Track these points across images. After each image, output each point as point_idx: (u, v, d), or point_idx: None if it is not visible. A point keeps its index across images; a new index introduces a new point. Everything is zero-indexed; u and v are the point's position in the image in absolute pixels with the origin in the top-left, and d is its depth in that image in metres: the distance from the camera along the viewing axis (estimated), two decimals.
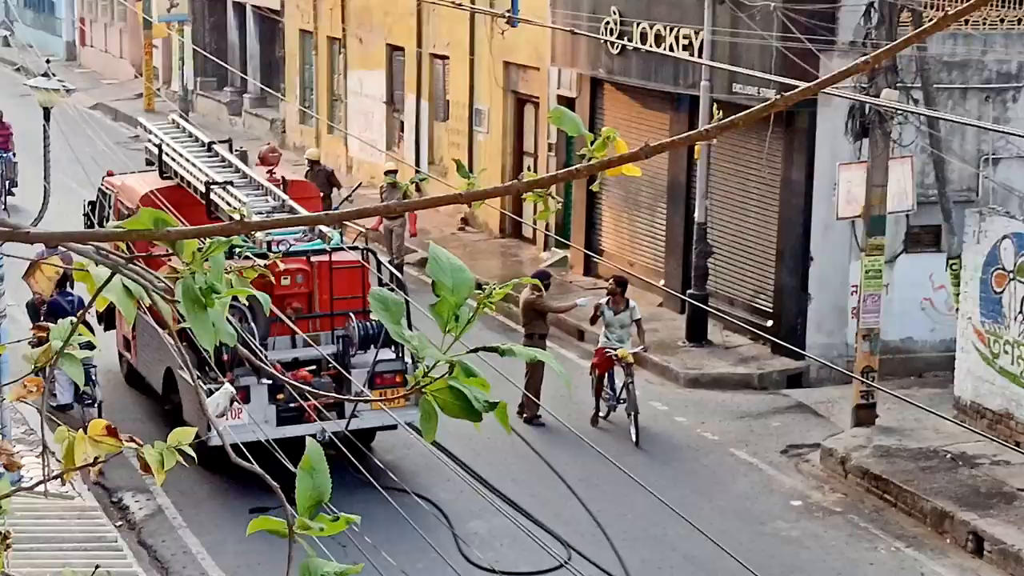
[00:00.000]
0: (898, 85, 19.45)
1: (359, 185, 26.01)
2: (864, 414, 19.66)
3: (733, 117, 2.44)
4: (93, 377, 18.71)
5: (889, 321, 20.98)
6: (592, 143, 2.84)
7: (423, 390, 2.89)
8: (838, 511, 17.65)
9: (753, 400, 21.38)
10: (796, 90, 2.36)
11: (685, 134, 2.49)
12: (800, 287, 22.29)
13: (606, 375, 19.96)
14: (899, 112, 19.23)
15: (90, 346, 4.15)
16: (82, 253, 3.26)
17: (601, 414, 20.03)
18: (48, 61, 20.49)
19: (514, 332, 23.02)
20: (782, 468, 18.99)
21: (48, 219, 19.17)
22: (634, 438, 19.38)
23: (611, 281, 20.39)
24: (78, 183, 24.34)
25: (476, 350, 2.92)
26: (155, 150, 21.16)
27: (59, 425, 4.34)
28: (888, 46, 2.51)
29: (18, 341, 4.99)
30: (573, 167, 2.67)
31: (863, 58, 2.39)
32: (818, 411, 20.98)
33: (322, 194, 24.44)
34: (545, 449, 17.28)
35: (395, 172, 27.36)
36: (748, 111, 2.43)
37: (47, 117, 18.28)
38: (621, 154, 2.59)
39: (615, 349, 19.77)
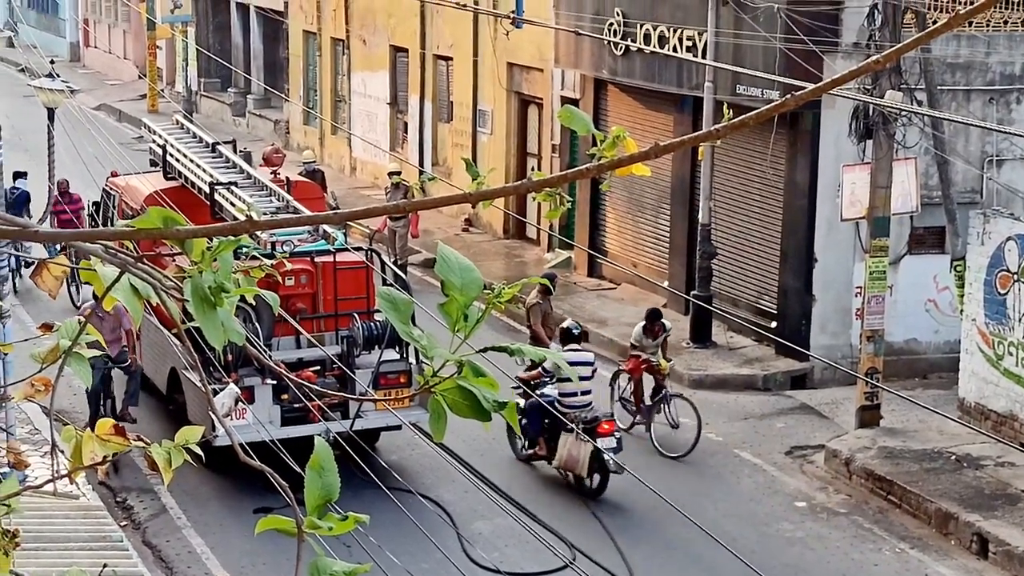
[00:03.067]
0: (902, 86, 19.45)
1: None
2: (868, 415, 19.65)
3: (743, 116, 2.44)
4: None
5: (893, 322, 20.97)
6: (600, 143, 2.84)
7: (432, 390, 2.89)
8: (842, 512, 17.65)
9: (757, 401, 21.38)
10: (806, 90, 2.36)
11: (695, 134, 2.49)
12: (804, 288, 22.29)
13: (640, 382, 19.61)
14: (903, 113, 19.23)
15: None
16: (90, 252, 3.26)
17: (630, 425, 19.49)
18: (52, 62, 20.51)
19: (518, 333, 23.03)
20: (786, 469, 18.99)
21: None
22: (690, 447, 18.95)
23: (646, 318, 19.79)
24: (83, 184, 24.35)
25: (486, 349, 2.92)
26: (159, 151, 21.19)
27: (65, 424, 4.35)
28: (895, 47, 2.51)
29: (23, 340, 4.99)
30: (582, 167, 2.68)
31: (872, 58, 2.39)
32: (822, 412, 20.98)
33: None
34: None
35: (399, 173, 27.38)
36: (759, 110, 2.43)
37: (51, 118, 18.29)
38: (631, 154, 2.59)
39: (652, 360, 19.53)
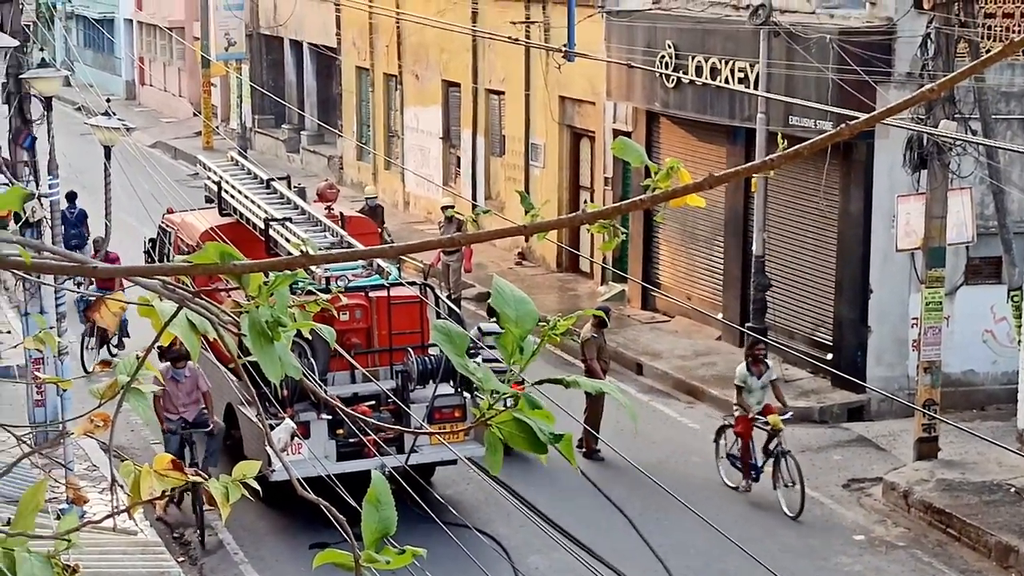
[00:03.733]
0: (956, 116, 19.35)
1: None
2: (926, 447, 19.49)
3: (798, 146, 2.44)
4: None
5: (950, 353, 20.81)
6: (654, 174, 2.84)
7: (489, 423, 2.89)
8: (901, 545, 17.49)
9: (814, 434, 21.25)
10: (861, 119, 2.36)
11: (749, 164, 2.49)
12: (860, 320, 22.17)
13: (750, 442, 18.69)
14: (957, 143, 19.13)
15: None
16: (148, 287, 3.29)
17: (739, 486, 18.80)
18: (108, 100, 20.71)
19: (571, 366, 22.99)
20: (844, 502, 18.85)
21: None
22: (798, 508, 18.00)
23: (750, 348, 19.03)
24: (138, 220, 24.54)
25: (541, 382, 2.92)
26: (214, 187, 21.33)
27: (124, 459, 4.37)
28: (949, 76, 2.50)
29: (81, 376, 5.02)
30: (636, 198, 2.68)
31: (927, 87, 2.38)
32: (880, 444, 20.82)
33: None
34: (605, 483, 17.24)
35: (453, 207, 27.44)
36: (813, 140, 2.42)
37: (108, 155, 18.47)
38: (685, 184, 2.60)
39: (760, 415, 18.65)
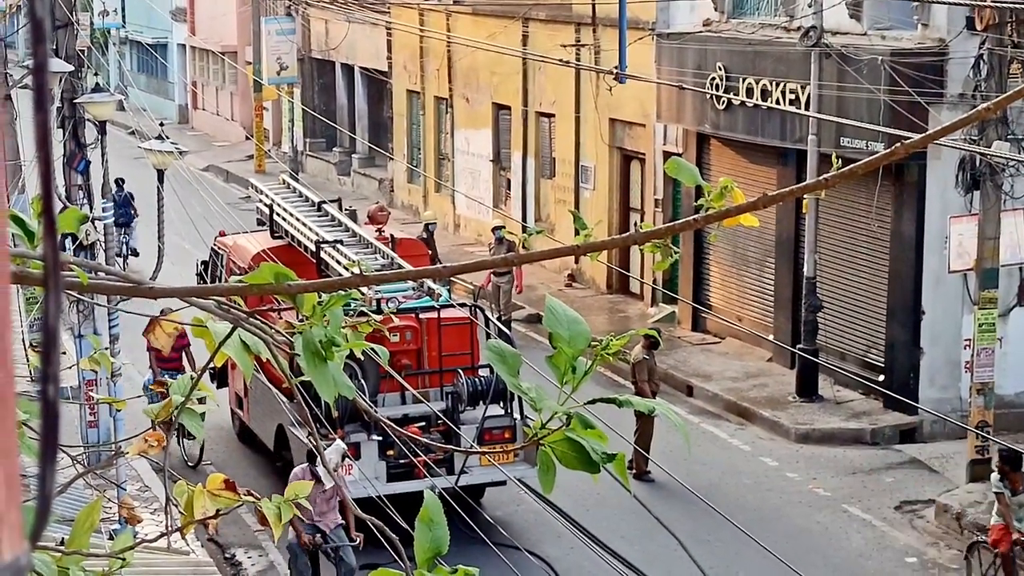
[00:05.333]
0: (1009, 136, 19.25)
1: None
2: (979, 469, 19.34)
3: (853, 165, 2.44)
4: None
5: (1003, 375, 20.66)
6: (707, 195, 2.85)
7: (541, 442, 2.90)
8: (954, 568, 17.35)
9: (866, 455, 21.13)
10: (916, 138, 2.36)
11: (803, 184, 2.49)
12: (912, 341, 22.04)
13: (1012, 558, 16.13)
14: (1011, 163, 19.02)
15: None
16: (203, 308, 3.32)
17: None
18: (161, 124, 20.88)
19: (621, 387, 22.96)
20: (896, 524, 18.73)
21: (161, 279, 19.46)
22: None
23: (1000, 460, 16.34)
24: (191, 243, 24.69)
25: (594, 401, 2.93)
26: (266, 210, 21.44)
27: (177, 479, 4.40)
28: (1004, 96, 2.49)
29: (137, 396, 5.07)
30: (689, 217, 2.68)
31: (981, 107, 2.38)
32: (932, 466, 20.69)
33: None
34: (655, 504, 17.21)
35: (503, 228, 27.46)
36: (867, 159, 2.42)
37: (161, 179, 18.60)
38: (739, 204, 2.60)
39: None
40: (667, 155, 27.63)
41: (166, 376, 19.08)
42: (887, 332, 22.53)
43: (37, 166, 1.03)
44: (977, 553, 16.68)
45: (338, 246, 18.80)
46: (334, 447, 15.05)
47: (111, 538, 12.53)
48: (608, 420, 3.86)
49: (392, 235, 20.83)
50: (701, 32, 25.83)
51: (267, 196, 21.66)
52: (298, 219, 20.22)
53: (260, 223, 22.38)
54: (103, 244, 18.79)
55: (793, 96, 23.10)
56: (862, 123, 18.92)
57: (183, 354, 20.54)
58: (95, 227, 18.32)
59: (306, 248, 19.44)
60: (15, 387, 1.05)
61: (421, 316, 18.36)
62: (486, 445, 17.61)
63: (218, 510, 4.01)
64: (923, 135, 2.62)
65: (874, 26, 22.30)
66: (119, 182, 31.40)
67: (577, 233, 3.11)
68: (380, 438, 17.49)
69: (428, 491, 3.08)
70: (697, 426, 22.19)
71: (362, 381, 17.12)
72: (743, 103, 23.97)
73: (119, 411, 17.22)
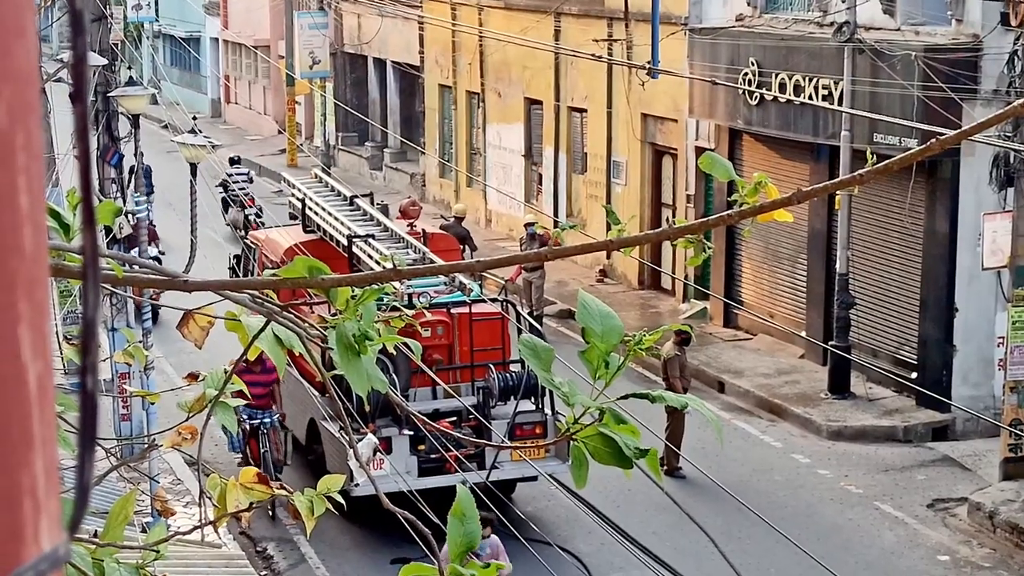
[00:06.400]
0: None
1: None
2: (1013, 467, 19.26)
3: (887, 161, 2.43)
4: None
5: None
6: (740, 190, 2.84)
7: (574, 437, 2.90)
8: (987, 567, 17.29)
9: (898, 453, 21.06)
10: (951, 134, 2.35)
11: (837, 179, 2.48)
12: (945, 338, 21.95)
13: None
14: None
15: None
16: (237, 301, 3.33)
17: None
18: (194, 118, 20.95)
19: (653, 383, 22.93)
20: (928, 522, 18.67)
21: (194, 272, 19.51)
22: None
23: None
24: (223, 237, 24.76)
25: (627, 396, 2.92)
26: (298, 204, 21.49)
27: (210, 473, 4.41)
28: None
29: (170, 390, 5.08)
30: (723, 213, 2.68)
31: (1017, 102, 2.37)
32: (965, 464, 20.60)
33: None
34: (686, 501, 17.19)
35: (534, 224, 27.45)
36: (902, 155, 2.41)
37: (194, 173, 18.65)
38: (772, 200, 2.59)
39: None
40: (699, 151, 27.56)
41: (257, 418, 18.39)
42: (920, 329, 22.45)
43: (76, 158, 1.04)
44: None
45: (370, 240, 18.83)
46: (365, 441, 15.05)
47: (144, 531, 12.59)
48: (640, 416, 3.86)
49: (424, 230, 20.85)
50: (734, 27, 25.77)
51: (299, 190, 21.71)
52: (330, 213, 20.26)
53: (292, 217, 22.44)
54: (136, 236, 18.86)
55: (826, 92, 23.02)
56: (895, 119, 18.86)
57: (271, 392, 18.82)
58: (128, 220, 18.40)
59: (338, 242, 19.47)
60: (53, 378, 1.05)
61: (452, 311, 18.37)
62: (517, 440, 17.61)
63: (251, 503, 4.02)
64: (957, 131, 2.61)
65: (907, 21, 22.20)
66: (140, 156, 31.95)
67: (609, 228, 3.11)
68: (411, 433, 17.51)
69: (460, 485, 3.08)
70: (728, 422, 22.15)
71: (394, 376, 17.14)
72: (776, 99, 23.90)
73: (152, 404, 17.29)
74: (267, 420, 18.49)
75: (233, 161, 33.43)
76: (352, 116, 40.91)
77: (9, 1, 0.96)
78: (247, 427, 18.41)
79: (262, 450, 18.55)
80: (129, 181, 19.19)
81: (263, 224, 30.06)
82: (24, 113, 0.99)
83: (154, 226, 29.08)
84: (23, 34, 0.97)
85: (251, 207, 31.20)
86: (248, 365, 18.32)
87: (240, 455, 18.98)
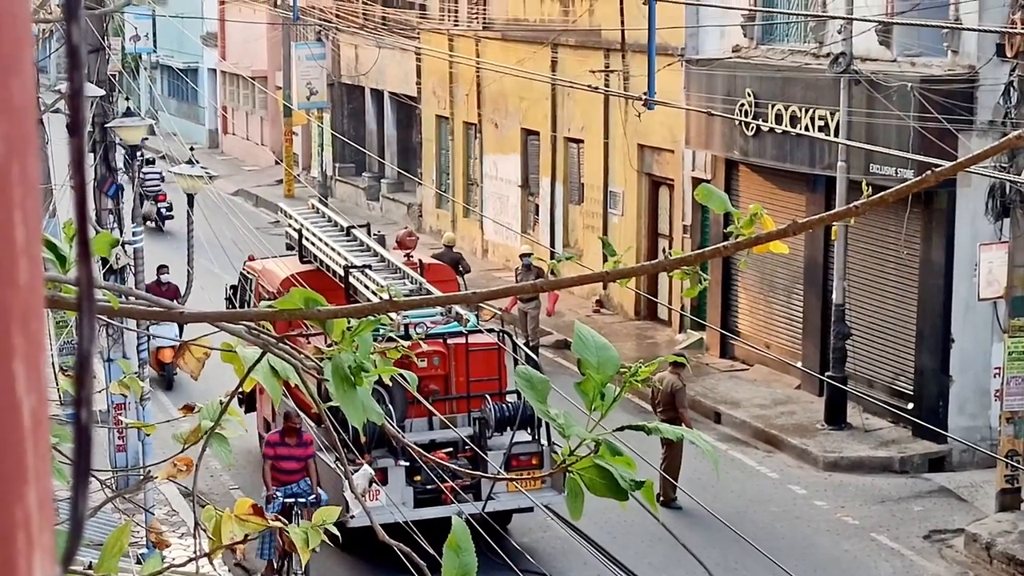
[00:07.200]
0: None
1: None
2: (1009, 499, 19.24)
3: (883, 193, 2.43)
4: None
5: None
6: (736, 221, 2.85)
7: (569, 469, 2.90)
8: None
9: (894, 484, 21.03)
10: (947, 166, 2.36)
11: (834, 211, 2.48)
12: (941, 369, 21.95)
13: None
14: None
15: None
16: (233, 333, 3.33)
17: None
18: (192, 148, 20.96)
19: (648, 414, 22.90)
20: (925, 554, 18.63)
21: (190, 303, 19.51)
22: None
23: None
24: (220, 267, 24.77)
25: (623, 428, 2.92)
26: (295, 235, 21.50)
27: (205, 504, 4.41)
28: None
29: (166, 421, 5.07)
30: (719, 245, 2.68)
31: (1014, 134, 2.37)
32: (961, 495, 20.58)
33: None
34: (682, 532, 17.15)
35: (530, 255, 27.47)
36: (899, 187, 2.42)
37: (191, 203, 18.69)
38: (768, 231, 2.59)
39: None
40: (696, 181, 27.60)
41: (292, 495, 16.85)
42: (916, 360, 22.45)
43: (72, 190, 1.05)
44: None
45: (367, 271, 18.83)
46: (361, 472, 15.05)
47: (139, 562, 12.54)
48: (636, 447, 3.85)
49: (420, 260, 20.85)
50: (730, 58, 25.83)
51: (296, 221, 21.72)
52: (327, 244, 20.27)
53: (289, 248, 22.44)
54: (132, 268, 18.86)
55: (822, 123, 23.07)
56: (891, 150, 18.89)
57: (306, 466, 17.44)
58: (124, 251, 18.40)
59: (335, 273, 19.48)
60: (48, 411, 1.05)
61: (449, 342, 18.36)
62: (513, 471, 17.58)
63: (246, 535, 4.01)
64: (954, 163, 2.62)
65: (904, 53, 22.27)
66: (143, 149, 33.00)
67: (606, 259, 3.11)
68: (407, 463, 17.48)
69: (456, 517, 3.08)
70: (725, 453, 22.12)
71: (390, 406, 17.12)
72: (772, 130, 23.95)
73: (148, 435, 17.26)
74: (302, 500, 16.68)
75: (149, 162, 36.25)
76: (349, 147, 41.00)
77: (6, 37, 0.97)
78: (283, 502, 16.67)
79: None
80: (135, 218, 19.23)
81: (172, 217, 39.28)
82: (21, 147, 0.99)
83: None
84: (20, 71, 0.98)
85: (162, 202, 39.84)
86: (282, 437, 17.22)
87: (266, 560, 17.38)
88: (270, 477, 17.28)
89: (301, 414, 16.37)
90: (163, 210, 40.10)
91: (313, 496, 16.86)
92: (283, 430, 17.27)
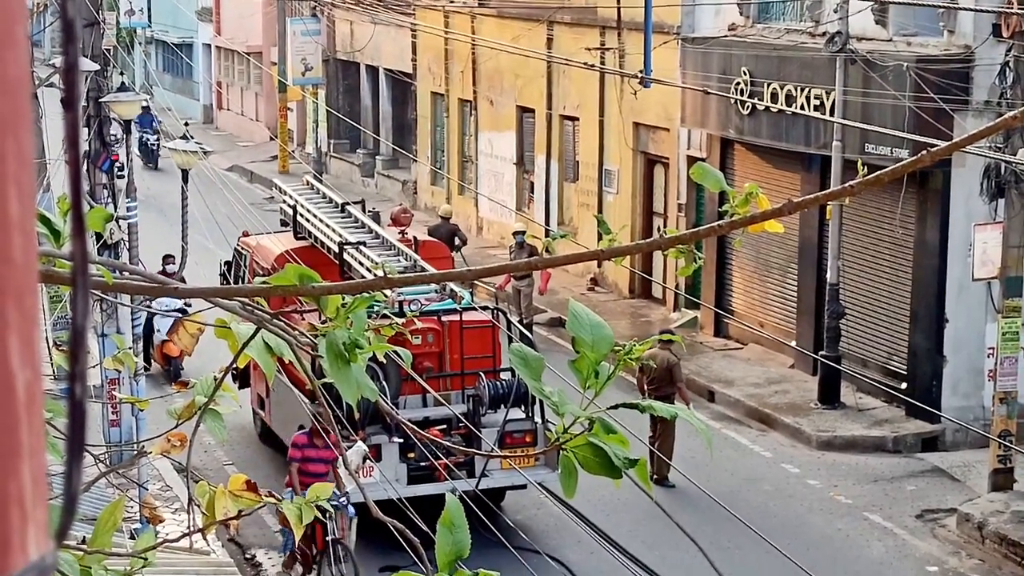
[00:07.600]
0: None
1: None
2: (1002, 479, 19.28)
3: (879, 172, 2.43)
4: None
5: None
6: (731, 200, 2.84)
7: (563, 447, 2.90)
8: None
9: (887, 463, 21.07)
10: (943, 146, 2.35)
11: (829, 190, 2.48)
12: (935, 349, 21.98)
13: None
14: None
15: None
16: (228, 308, 3.32)
17: None
18: (186, 124, 20.94)
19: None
20: (917, 533, 18.68)
21: (185, 278, 19.49)
22: None
23: None
24: (214, 243, 24.76)
25: (617, 406, 2.93)
26: (289, 211, 21.48)
27: (199, 480, 4.41)
28: None
29: (160, 397, 5.07)
30: (714, 223, 2.68)
31: (1009, 114, 2.37)
32: (954, 475, 20.62)
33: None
34: (675, 510, 17.19)
35: (524, 233, 27.45)
36: (894, 167, 2.42)
37: (185, 179, 18.65)
38: (764, 210, 2.59)
39: None
40: (691, 160, 27.59)
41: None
42: (910, 339, 22.47)
43: (66, 165, 1.04)
44: None
45: (361, 248, 18.83)
46: (355, 449, 15.07)
47: (133, 537, 12.56)
48: (629, 425, 3.86)
49: (415, 237, 20.85)
50: (726, 37, 25.80)
51: (291, 197, 21.70)
52: (321, 220, 20.26)
53: (283, 224, 22.43)
54: (126, 243, 18.84)
55: (818, 102, 23.05)
56: (887, 129, 18.89)
57: (332, 468, 16.62)
58: (119, 226, 18.38)
59: (329, 249, 19.47)
60: (42, 386, 1.05)
61: (443, 319, 18.37)
62: (507, 449, 17.61)
63: (240, 511, 4.02)
64: (949, 143, 2.62)
65: (900, 32, 22.25)
66: (147, 108, 33.20)
67: (600, 237, 3.11)
68: (401, 440, 17.50)
69: (450, 495, 3.08)
70: (718, 432, 22.15)
71: (384, 383, 17.13)
72: (768, 108, 23.94)
73: (141, 411, 17.27)
74: (335, 503, 15.53)
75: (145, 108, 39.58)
76: (344, 123, 40.92)
77: (0, 10, 0.96)
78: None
79: (327, 537, 16.22)
80: (129, 192, 19.18)
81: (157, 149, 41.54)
82: (15, 122, 0.99)
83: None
84: (14, 44, 0.97)
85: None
86: (310, 438, 16.56)
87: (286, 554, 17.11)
88: (297, 481, 16.18)
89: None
90: (150, 142, 42.51)
91: (343, 498, 16.09)
92: (310, 431, 16.55)
